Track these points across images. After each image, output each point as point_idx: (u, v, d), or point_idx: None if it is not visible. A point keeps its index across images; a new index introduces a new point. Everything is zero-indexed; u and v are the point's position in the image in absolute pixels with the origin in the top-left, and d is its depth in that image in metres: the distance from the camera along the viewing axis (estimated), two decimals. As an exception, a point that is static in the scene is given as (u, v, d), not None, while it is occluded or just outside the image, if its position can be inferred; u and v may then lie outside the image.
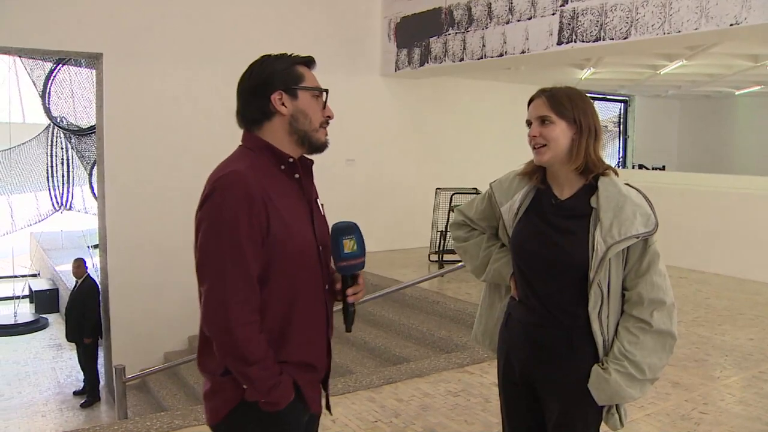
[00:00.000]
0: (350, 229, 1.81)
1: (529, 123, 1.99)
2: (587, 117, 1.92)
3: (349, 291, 1.85)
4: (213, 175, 1.71)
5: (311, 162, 1.87)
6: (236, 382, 1.71)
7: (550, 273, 1.97)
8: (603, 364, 1.90)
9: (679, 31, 5.12)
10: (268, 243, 1.67)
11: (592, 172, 1.94)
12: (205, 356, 1.77)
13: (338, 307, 1.91)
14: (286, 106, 1.76)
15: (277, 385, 1.70)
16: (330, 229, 1.83)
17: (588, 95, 2.00)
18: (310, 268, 1.79)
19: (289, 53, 1.84)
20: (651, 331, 1.87)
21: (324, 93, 1.83)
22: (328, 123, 1.84)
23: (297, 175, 1.80)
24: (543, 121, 1.94)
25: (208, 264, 1.67)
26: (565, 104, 1.92)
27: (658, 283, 1.88)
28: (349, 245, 1.80)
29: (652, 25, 5.30)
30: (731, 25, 4.77)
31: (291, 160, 1.79)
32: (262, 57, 1.82)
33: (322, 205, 1.92)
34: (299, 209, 1.79)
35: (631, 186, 1.97)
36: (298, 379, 1.77)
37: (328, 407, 1.93)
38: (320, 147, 1.82)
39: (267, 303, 1.71)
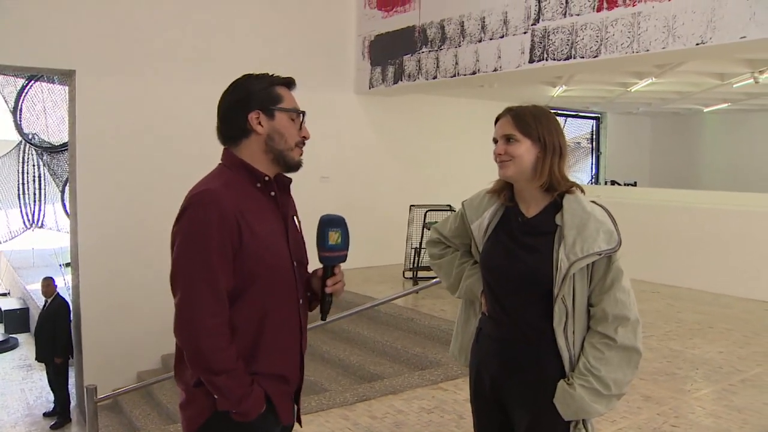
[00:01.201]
0: (337, 222, 1.87)
1: (495, 141, 2.02)
2: (552, 135, 1.95)
3: (329, 282, 1.90)
4: (190, 192, 1.77)
5: (289, 180, 1.92)
6: (209, 392, 1.74)
7: (516, 289, 1.99)
8: (569, 380, 1.92)
9: (648, 50, 5.22)
10: (240, 259, 1.72)
11: (556, 190, 1.97)
12: (180, 367, 1.82)
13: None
14: (262, 126, 1.82)
15: (248, 395, 1.73)
16: (318, 221, 1.87)
17: (560, 113, 2.05)
18: (284, 283, 1.84)
19: (270, 73, 1.89)
20: (616, 346, 1.90)
21: (301, 115, 1.88)
22: (304, 143, 1.90)
23: (273, 193, 1.85)
24: (508, 139, 1.97)
25: (179, 277, 1.72)
26: (530, 123, 1.95)
27: (622, 299, 1.90)
28: (334, 237, 1.85)
29: (622, 44, 5.40)
30: (697, 44, 4.88)
31: (267, 178, 1.83)
32: (244, 76, 1.88)
33: (299, 222, 1.96)
34: (274, 226, 1.83)
35: (596, 203, 2.00)
36: (270, 391, 1.80)
37: (299, 420, 1.97)
38: (294, 166, 1.88)
39: (240, 316, 1.75)
